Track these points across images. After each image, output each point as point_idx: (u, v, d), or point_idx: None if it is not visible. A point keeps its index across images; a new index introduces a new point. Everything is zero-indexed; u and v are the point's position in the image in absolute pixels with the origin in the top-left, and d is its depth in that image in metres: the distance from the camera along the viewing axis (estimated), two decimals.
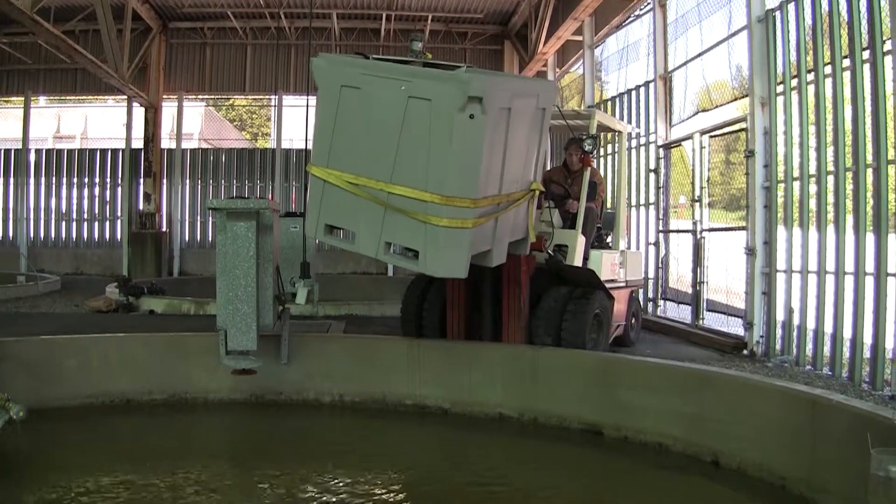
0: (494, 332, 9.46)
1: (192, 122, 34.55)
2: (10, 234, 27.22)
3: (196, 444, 7.67)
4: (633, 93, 18.30)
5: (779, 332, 11.23)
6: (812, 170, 10.51)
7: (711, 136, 14.02)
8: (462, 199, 6.72)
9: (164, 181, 26.89)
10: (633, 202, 17.49)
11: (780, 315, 11.20)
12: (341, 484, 6.56)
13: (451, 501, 6.22)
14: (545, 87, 8.26)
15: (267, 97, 29.35)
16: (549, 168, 13.65)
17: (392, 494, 6.43)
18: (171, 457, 7.06)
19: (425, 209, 6.68)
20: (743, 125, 12.37)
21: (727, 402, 7.15)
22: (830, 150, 10.16)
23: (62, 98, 32.51)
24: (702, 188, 13.96)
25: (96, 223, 27.73)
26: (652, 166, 16.49)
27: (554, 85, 9.54)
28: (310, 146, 7.58)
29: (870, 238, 9.33)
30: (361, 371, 9.11)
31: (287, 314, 8.69)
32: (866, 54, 9.41)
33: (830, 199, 10.16)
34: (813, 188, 10.51)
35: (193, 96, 29.58)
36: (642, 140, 17.47)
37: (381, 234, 6.94)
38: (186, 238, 27.34)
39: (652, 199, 16.52)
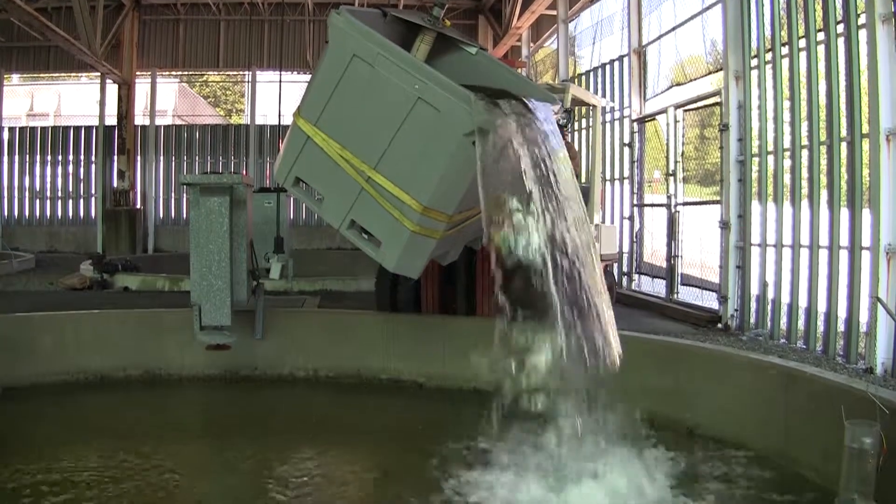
0: (468, 305, 9.47)
1: (165, 98, 34.39)
2: None
3: (171, 420, 7.63)
4: (608, 67, 18.32)
5: (753, 305, 11.29)
6: (786, 143, 10.55)
7: (686, 111, 14.07)
8: (440, 214, 6.67)
9: (138, 158, 26.83)
10: (608, 176, 17.51)
11: (754, 289, 11.26)
12: (315, 458, 6.59)
13: (425, 473, 6.23)
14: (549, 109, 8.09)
15: (241, 73, 29.23)
16: None
17: (365, 468, 6.45)
18: (145, 432, 7.02)
19: (401, 208, 6.61)
20: (717, 99, 12.41)
21: (701, 375, 7.18)
22: (805, 125, 10.19)
23: (35, 76, 32.28)
24: (676, 162, 14.01)
25: (70, 201, 27.65)
26: (626, 140, 16.53)
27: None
28: (283, 121, 7.52)
29: (844, 212, 9.38)
30: (336, 346, 9.10)
31: (261, 289, 8.67)
32: (840, 28, 9.43)
33: (805, 173, 10.20)
34: (787, 163, 10.55)
35: (167, 73, 29.45)
36: (616, 114, 17.50)
37: (349, 210, 6.86)
38: (161, 215, 27.30)
39: (626, 173, 16.57)
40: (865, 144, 9.03)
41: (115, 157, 26.14)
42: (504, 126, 6.06)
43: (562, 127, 10.35)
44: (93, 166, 27.21)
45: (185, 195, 25.46)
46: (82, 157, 27.59)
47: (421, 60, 7.15)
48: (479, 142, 6.07)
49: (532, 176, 5.89)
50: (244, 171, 25.84)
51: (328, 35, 6.74)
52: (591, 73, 19.33)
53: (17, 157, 27.53)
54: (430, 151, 6.42)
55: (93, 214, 26.81)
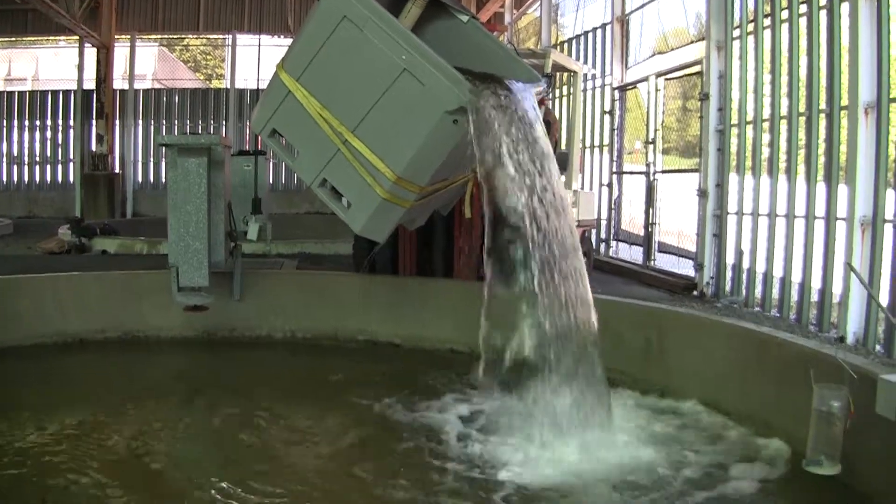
0: (446, 268, 9.51)
1: (145, 63, 34.17)
2: None
3: (149, 382, 7.62)
4: (590, 35, 18.30)
5: (729, 273, 11.37)
6: (766, 114, 10.59)
7: (667, 79, 14.09)
8: (412, 185, 6.69)
9: (117, 122, 26.70)
10: (588, 144, 17.53)
11: (730, 257, 11.33)
12: (290, 417, 6.66)
13: (400, 429, 6.29)
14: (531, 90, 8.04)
15: (221, 37, 29.08)
16: None
17: (341, 427, 6.49)
18: (123, 394, 7.02)
19: (374, 175, 6.60)
20: (698, 69, 12.43)
21: (675, 339, 7.25)
22: (785, 98, 10.23)
23: (13, 40, 32.03)
24: (656, 130, 14.04)
25: (48, 166, 27.57)
26: (607, 108, 16.54)
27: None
28: (263, 86, 7.47)
29: (821, 183, 9.43)
30: (313, 307, 9.13)
31: (239, 251, 8.68)
32: (823, 1, 9.45)
33: (783, 144, 10.25)
34: (766, 136, 10.60)
35: (146, 36, 29.25)
36: (598, 82, 17.51)
37: (323, 169, 6.85)
38: (140, 179, 27.25)
39: (606, 140, 16.60)
40: (843, 117, 9.07)
41: (94, 122, 26.01)
42: (487, 110, 6.12)
43: (540, 101, 10.38)
44: (71, 131, 27.08)
45: (163, 159, 25.37)
46: (60, 122, 27.49)
47: (411, 23, 7.16)
48: (463, 119, 6.13)
49: (510, 162, 6.06)
50: (224, 135, 25.73)
51: None
52: (574, 41, 19.32)
53: None
54: (410, 123, 6.42)
55: (71, 179, 26.65)
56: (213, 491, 5.03)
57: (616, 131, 15.97)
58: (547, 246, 6.12)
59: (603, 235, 16.40)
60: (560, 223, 6.23)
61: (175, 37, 33.27)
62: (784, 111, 10.20)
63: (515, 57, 7.30)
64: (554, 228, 6.17)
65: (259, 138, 7.65)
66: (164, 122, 27.32)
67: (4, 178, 27.61)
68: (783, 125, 10.23)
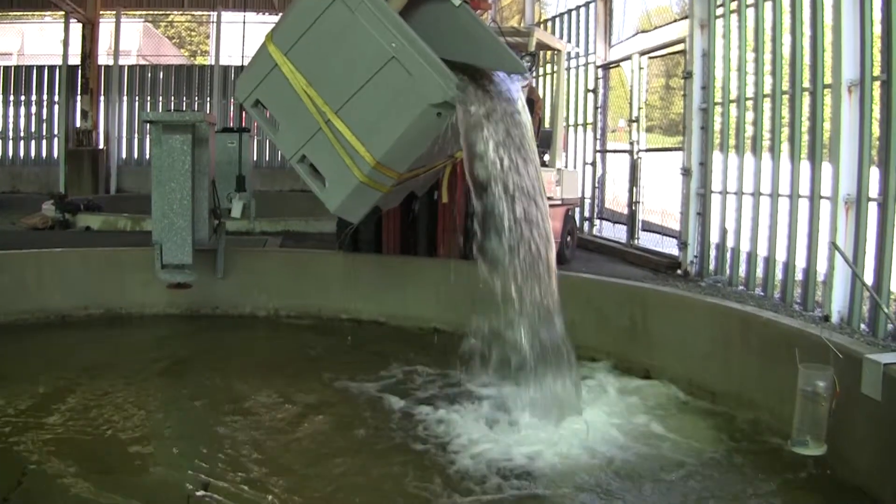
0: (429, 247, 9.53)
1: (130, 39, 33.97)
2: None
3: (131, 359, 7.63)
4: (574, 13, 18.25)
5: (713, 252, 11.37)
6: (749, 93, 10.60)
7: (651, 58, 14.08)
8: (391, 171, 6.72)
9: (102, 98, 26.52)
10: (571, 122, 17.52)
11: (714, 236, 11.34)
12: (273, 394, 6.70)
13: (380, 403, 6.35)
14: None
15: (206, 13, 28.96)
16: None
17: (321, 400, 6.53)
18: (106, 371, 7.05)
19: (354, 157, 6.60)
20: (681, 47, 12.42)
21: (659, 318, 7.28)
22: (768, 76, 10.24)
23: None
24: (639, 109, 14.04)
25: (32, 141, 27.38)
26: (590, 87, 16.53)
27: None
28: (246, 62, 7.46)
29: (805, 161, 9.45)
30: (297, 285, 9.18)
31: (223, 228, 8.69)
32: None
33: (767, 124, 10.26)
34: (750, 114, 10.61)
35: (131, 12, 29.08)
36: (581, 60, 17.48)
37: (303, 145, 6.85)
38: (124, 156, 27.12)
39: (590, 119, 16.59)
40: (828, 96, 9.08)
41: (79, 97, 25.83)
42: (472, 105, 6.16)
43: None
44: (56, 106, 26.88)
45: (148, 135, 25.27)
46: (45, 97, 27.29)
47: (402, 4, 7.11)
48: (447, 112, 6.21)
49: (493, 158, 6.17)
50: (209, 112, 25.63)
51: None
52: (558, 19, 19.28)
53: None
54: (394, 111, 6.44)
55: (55, 155, 26.47)
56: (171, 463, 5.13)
57: (600, 109, 15.97)
58: (523, 238, 6.21)
59: (587, 214, 16.40)
60: (538, 219, 6.32)
61: (160, 13, 33.16)
62: (768, 89, 10.20)
63: (504, 45, 7.29)
64: (532, 220, 6.26)
65: (243, 114, 7.64)
66: (149, 98, 27.18)
67: None
68: (767, 103, 10.23)
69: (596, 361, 7.45)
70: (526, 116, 6.70)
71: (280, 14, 7.13)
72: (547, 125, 13.27)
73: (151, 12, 31.66)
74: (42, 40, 38.02)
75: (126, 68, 27.66)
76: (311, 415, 6.25)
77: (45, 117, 27.33)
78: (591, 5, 16.88)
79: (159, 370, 7.37)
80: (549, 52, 15.66)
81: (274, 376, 7.18)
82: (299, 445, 5.66)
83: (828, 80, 9.02)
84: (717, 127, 11.31)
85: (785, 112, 9.85)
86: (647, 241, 13.94)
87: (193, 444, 5.52)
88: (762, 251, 10.21)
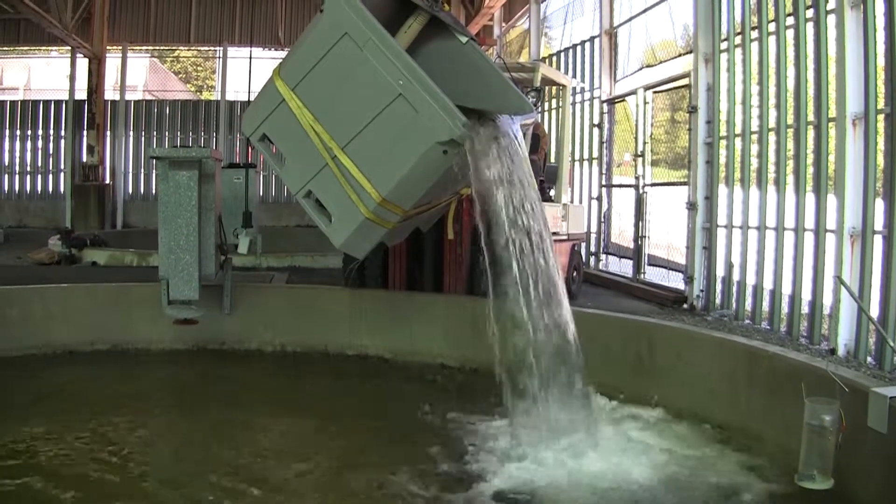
0: (436, 282, 9.53)
1: (136, 74, 34.15)
2: None
3: (138, 394, 7.62)
4: (579, 48, 18.34)
5: (719, 286, 11.39)
6: (754, 127, 10.63)
7: (655, 92, 14.13)
8: (396, 207, 6.71)
9: (108, 133, 26.69)
10: (577, 157, 17.56)
11: (720, 270, 11.35)
12: (274, 430, 6.71)
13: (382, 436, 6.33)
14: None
15: (212, 49, 29.11)
16: None
17: (326, 438, 6.51)
18: (112, 406, 7.03)
19: (360, 193, 6.59)
20: (686, 81, 12.46)
21: (666, 353, 7.26)
22: (773, 109, 10.27)
23: (5, 49, 31.98)
24: (645, 143, 14.07)
25: (39, 176, 27.51)
26: (596, 121, 16.58)
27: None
28: (252, 99, 7.46)
29: (809, 195, 9.47)
30: (303, 321, 9.15)
31: (229, 264, 8.69)
32: (810, 13, 9.50)
33: (772, 156, 10.29)
34: (755, 147, 10.64)
35: (138, 47, 29.22)
36: (587, 95, 17.55)
37: (309, 180, 6.84)
38: (130, 190, 27.22)
39: (595, 154, 16.64)
40: (832, 129, 9.11)
41: (85, 132, 25.94)
42: (478, 144, 6.20)
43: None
44: (62, 141, 27.04)
45: (154, 170, 25.34)
46: (52, 132, 27.43)
47: (411, 38, 7.14)
48: (453, 150, 6.22)
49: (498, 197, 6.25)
50: (214, 147, 25.71)
51: (323, 3, 6.67)
52: (563, 54, 19.36)
53: None
54: (401, 148, 6.42)
55: (62, 189, 26.57)
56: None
57: (605, 144, 16.02)
58: (531, 282, 6.23)
59: (592, 249, 16.41)
60: (544, 261, 6.35)
61: (166, 48, 33.30)
62: (772, 123, 10.24)
63: (509, 83, 7.29)
64: (538, 265, 6.29)
65: (249, 150, 7.66)
66: (155, 133, 27.31)
67: None
68: (771, 137, 10.27)
69: (602, 396, 7.43)
70: (525, 153, 6.75)
71: (285, 49, 7.13)
72: (553, 160, 13.31)
73: (157, 47, 31.78)
74: (49, 75, 38.18)
75: (132, 103, 27.82)
76: (318, 449, 6.23)
77: (51, 152, 27.47)
78: (596, 40, 16.97)
79: (169, 407, 7.37)
80: (554, 87, 15.73)
81: (281, 412, 7.18)
82: (312, 476, 5.65)
83: (832, 113, 9.07)
84: (722, 161, 11.35)
85: (790, 145, 9.90)
86: (653, 275, 13.96)
87: (202, 479, 5.49)
88: (768, 285, 10.23)
